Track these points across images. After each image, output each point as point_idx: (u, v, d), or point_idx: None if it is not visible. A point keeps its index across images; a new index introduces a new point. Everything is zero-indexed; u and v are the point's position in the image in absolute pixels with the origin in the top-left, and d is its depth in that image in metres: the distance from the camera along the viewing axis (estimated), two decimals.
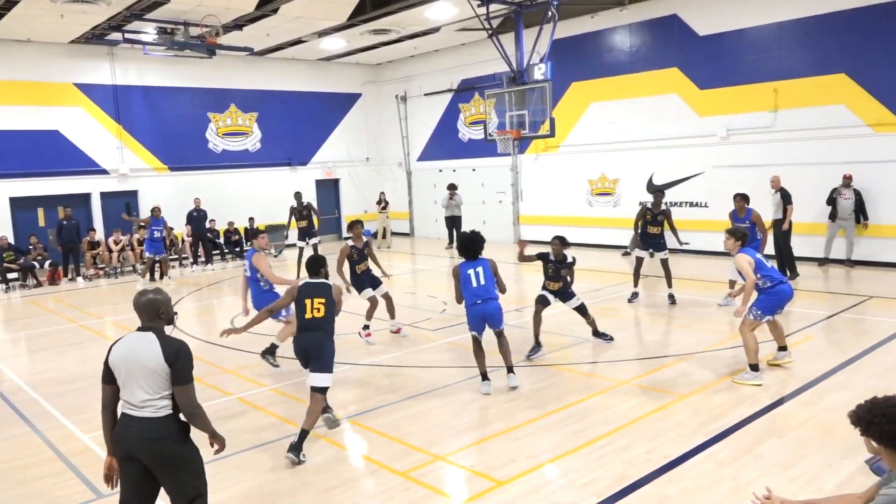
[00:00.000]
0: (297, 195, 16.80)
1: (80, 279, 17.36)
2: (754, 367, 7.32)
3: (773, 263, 7.85)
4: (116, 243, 18.28)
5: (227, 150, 21.58)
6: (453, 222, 20.46)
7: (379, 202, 22.57)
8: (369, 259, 10.00)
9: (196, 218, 18.76)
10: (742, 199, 11.14)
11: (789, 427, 6.05)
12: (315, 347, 6.19)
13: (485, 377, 7.51)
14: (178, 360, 3.83)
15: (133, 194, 19.81)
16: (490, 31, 15.63)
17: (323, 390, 6.20)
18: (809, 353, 8.21)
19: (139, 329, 3.99)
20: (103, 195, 19.30)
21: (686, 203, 16.69)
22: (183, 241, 19.46)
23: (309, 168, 23.38)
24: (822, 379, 7.29)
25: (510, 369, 7.58)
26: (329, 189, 24.23)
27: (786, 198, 12.89)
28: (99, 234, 18.39)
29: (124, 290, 15.86)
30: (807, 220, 14.36)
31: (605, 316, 10.98)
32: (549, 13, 14.93)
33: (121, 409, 3.94)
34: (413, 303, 13.02)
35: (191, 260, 19.12)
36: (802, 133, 14.48)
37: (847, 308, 10.54)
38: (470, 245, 7.71)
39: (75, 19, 15.75)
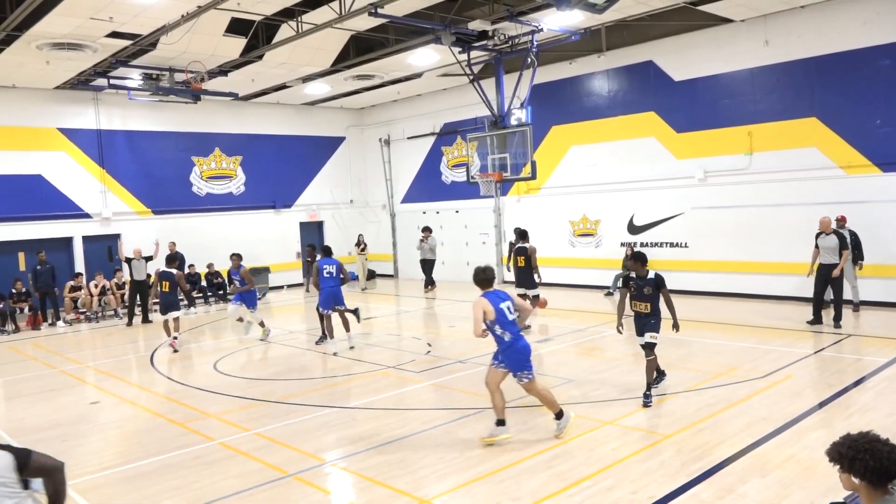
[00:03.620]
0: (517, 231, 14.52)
1: (60, 324, 17.17)
2: (500, 423, 7.05)
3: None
4: (97, 286, 18.14)
5: (212, 194, 21.65)
6: (425, 265, 20.48)
7: (358, 244, 22.64)
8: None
9: None
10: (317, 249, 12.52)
11: (771, 466, 6.10)
12: (524, 278, 12.88)
13: (326, 335, 12.57)
14: None
15: (115, 238, 19.74)
16: (472, 77, 15.99)
17: (536, 297, 12.76)
18: (790, 392, 8.29)
19: None
20: (85, 239, 19.22)
21: (666, 244, 16.94)
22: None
23: (293, 211, 23.48)
24: (803, 417, 7.37)
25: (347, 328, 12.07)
26: (313, 231, 24.30)
27: (843, 242, 11.97)
28: (82, 278, 18.25)
29: (105, 335, 15.71)
30: (790, 259, 14.67)
31: (589, 356, 11.05)
32: (529, 59, 15.33)
33: None
34: (397, 345, 13.01)
35: None
36: (777, 175, 14.85)
37: (826, 346, 10.68)
38: (327, 249, 12.94)
39: (61, 66, 15.90)
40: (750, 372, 9.29)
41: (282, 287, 22.70)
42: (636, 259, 8.33)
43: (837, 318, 11.97)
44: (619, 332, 8.73)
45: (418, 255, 20.74)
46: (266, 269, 21.87)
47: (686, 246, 16.63)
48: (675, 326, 8.28)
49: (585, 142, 18.36)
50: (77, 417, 9.03)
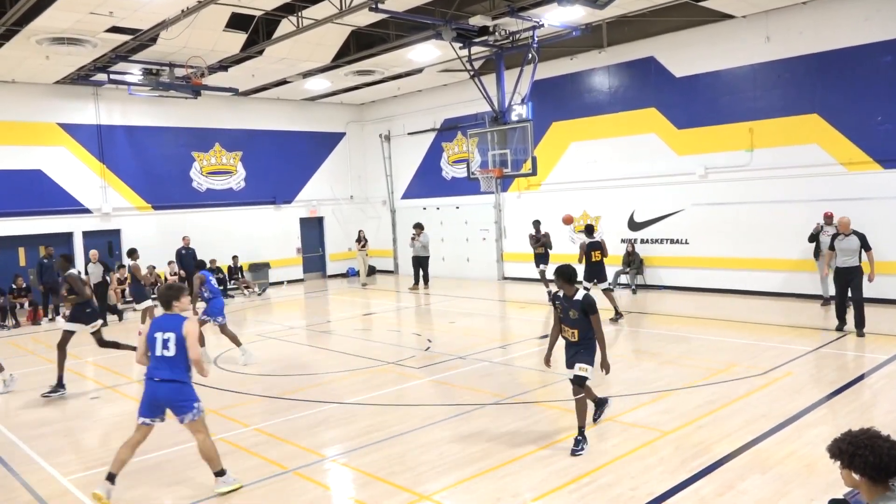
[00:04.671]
0: (536, 223, 16.75)
1: (59, 319, 17.15)
2: (219, 473, 6.02)
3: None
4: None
5: (212, 189, 21.63)
6: (419, 262, 20.34)
7: (358, 240, 22.59)
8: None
9: (185, 256, 18.65)
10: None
11: (771, 462, 6.10)
12: (598, 271, 12.98)
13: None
14: None
15: (116, 233, 19.75)
16: (472, 73, 15.95)
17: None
18: (790, 389, 8.29)
19: None
20: (85, 234, 19.22)
21: (667, 240, 16.94)
22: (166, 279, 19.34)
23: (293, 206, 23.47)
24: (803, 414, 7.37)
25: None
26: (313, 227, 24.29)
27: (865, 242, 10.97)
28: (82, 274, 18.23)
29: (104, 330, 15.66)
30: (790, 256, 14.69)
31: None
32: (530, 55, 15.30)
33: None
34: (397, 340, 13.02)
35: None
36: (778, 171, 14.83)
37: (826, 343, 10.68)
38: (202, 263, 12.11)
39: (61, 61, 15.87)
40: (750, 369, 9.29)
41: (282, 283, 22.71)
42: (559, 275, 6.72)
43: (860, 324, 11.04)
44: (547, 364, 7.16)
45: (410, 253, 20.67)
46: (266, 265, 21.88)
47: (686, 242, 16.62)
48: (604, 366, 6.73)
49: (586, 138, 18.34)
50: (77, 412, 9.03)
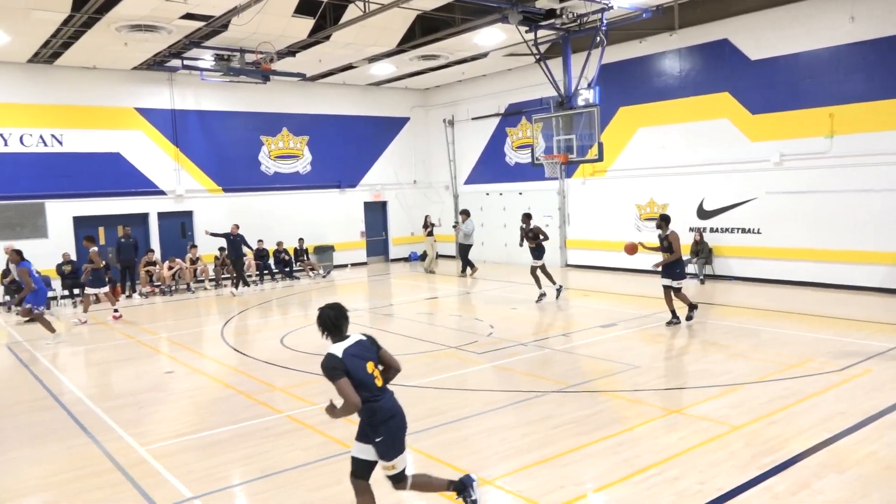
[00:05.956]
0: (526, 216, 15.78)
1: (136, 296, 17.89)
2: None
3: None
4: (171, 269, 18.79)
5: (279, 173, 22.10)
6: (461, 250, 19.91)
7: (425, 226, 22.30)
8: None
9: (233, 241, 18.46)
10: None
11: (849, 462, 5.85)
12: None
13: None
14: None
15: (188, 215, 20.42)
16: (538, 57, 15.73)
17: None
18: (869, 387, 7.93)
19: None
20: (160, 215, 19.95)
21: (738, 229, 16.39)
22: (225, 263, 19.74)
23: (358, 190, 23.76)
24: (883, 414, 7.03)
25: None
26: (377, 211, 24.54)
27: None
28: (156, 254, 18.99)
29: (177, 308, 16.30)
30: (876, 248, 14.03)
31: (654, 342, 10.83)
32: (598, 38, 14.96)
33: None
34: (459, 325, 13.06)
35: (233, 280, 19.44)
36: (861, 159, 14.12)
37: None
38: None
39: (138, 47, 16.44)
40: (825, 364, 8.92)
41: (346, 265, 23.07)
42: (320, 326, 4.84)
43: None
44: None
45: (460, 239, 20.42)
46: (331, 248, 22.27)
47: (759, 232, 16.05)
48: (329, 410, 4.79)
49: (654, 123, 17.87)
50: (152, 385, 9.42)
